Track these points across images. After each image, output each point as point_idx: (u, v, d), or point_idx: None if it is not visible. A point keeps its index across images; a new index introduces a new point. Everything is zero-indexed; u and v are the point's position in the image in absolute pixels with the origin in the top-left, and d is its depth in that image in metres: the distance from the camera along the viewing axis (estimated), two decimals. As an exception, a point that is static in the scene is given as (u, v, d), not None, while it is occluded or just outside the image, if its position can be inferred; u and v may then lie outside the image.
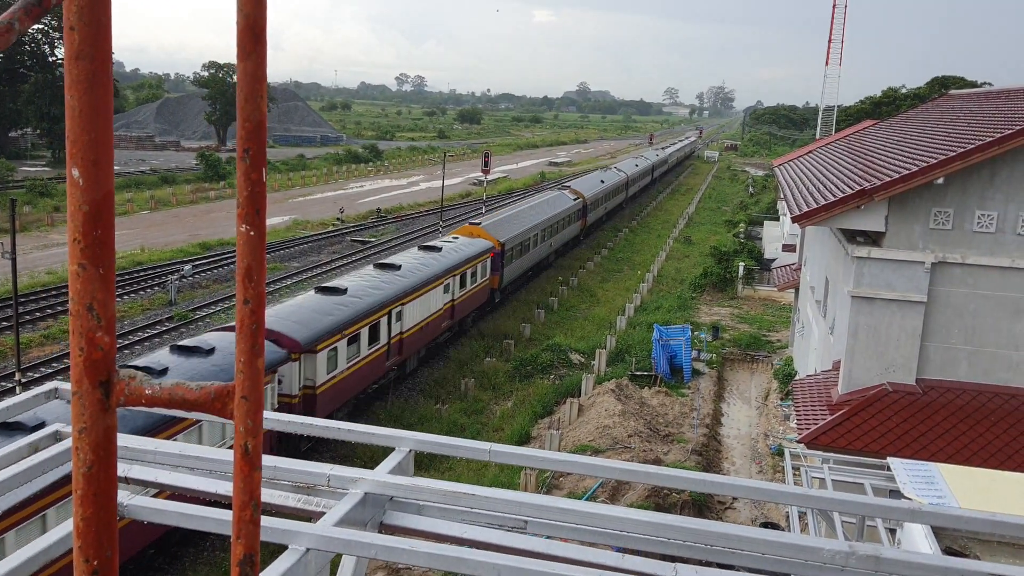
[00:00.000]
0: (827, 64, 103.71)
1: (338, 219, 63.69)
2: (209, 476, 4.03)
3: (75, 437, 1.41)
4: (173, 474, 3.95)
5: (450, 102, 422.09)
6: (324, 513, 3.87)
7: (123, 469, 3.95)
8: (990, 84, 77.37)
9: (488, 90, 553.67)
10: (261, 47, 1.30)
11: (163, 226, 58.02)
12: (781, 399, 28.97)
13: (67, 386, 4.64)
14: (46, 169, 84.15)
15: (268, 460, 3.93)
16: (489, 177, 74.20)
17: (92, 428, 1.40)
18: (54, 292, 38.43)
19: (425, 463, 22.96)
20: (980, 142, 17.30)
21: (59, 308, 36.39)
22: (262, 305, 1.37)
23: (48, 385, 4.80)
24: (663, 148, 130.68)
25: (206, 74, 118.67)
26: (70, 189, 1.35)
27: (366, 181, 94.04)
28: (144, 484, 4.03)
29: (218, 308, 38.41)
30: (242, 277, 1.37)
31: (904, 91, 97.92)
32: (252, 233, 1.35)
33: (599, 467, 4.73)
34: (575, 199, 57.53)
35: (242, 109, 1.32)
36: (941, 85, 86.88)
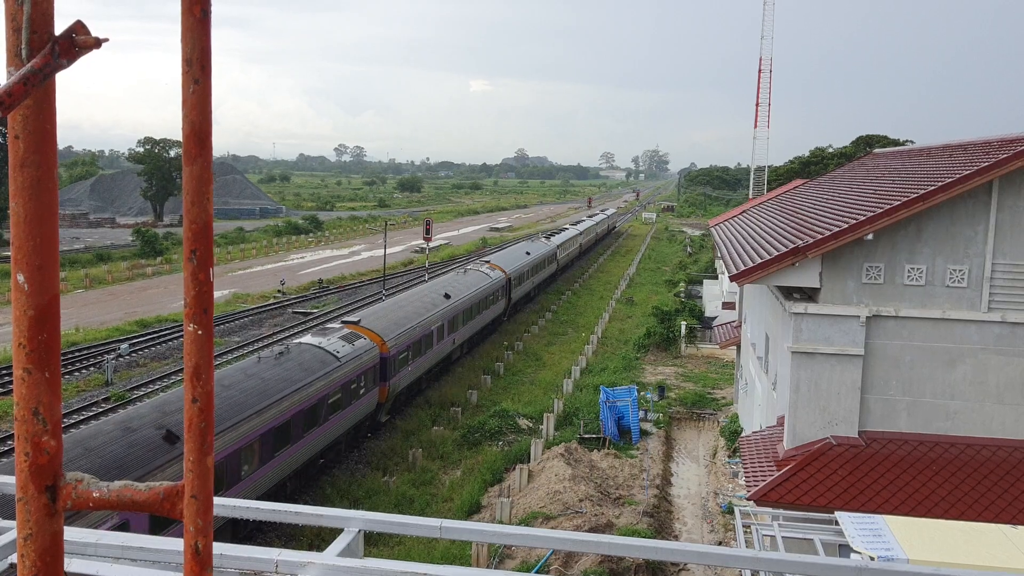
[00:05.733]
0: (756, 126, 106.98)
1: (279, 291, 63.09)
2: (153, 567, 3.92)
3: (20, 544, 1.39)
4: (116, 566, 3.84)
5: (390, 171, 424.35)
6: (273, 600, 3.79)
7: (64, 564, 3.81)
8: (912, 142, 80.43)
9: (427, 158, 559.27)
10: (206, 152, 1.33)
11: (98, 304, 56.84)
12: (729, 456, 29.14)
13: (3, 479, 4.50)
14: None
15: (214, 547, 3.84)
16: (431, 244, 74.51)
17: (38, 534, 1.38)
18: (-16, 376, 37.22)
19: (375, 537, 22.52)
20: (905, 198, 17.92)
21: (-10, 393, 35.23)
22: (211, 404, 1.37)
23: (-18, 478, 4.65)
24: (552, 233, 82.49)
25: (142, 150, 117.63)
26: (15, 294, 1.35)
27: (307, 252, 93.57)
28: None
29: (157, 387, 37.55)
30: (190, 376, 1.38)
31: (831, 150, 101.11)
32: (200, 333, 1.36)
33: (551, 539, 4.71)
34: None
35: (188, 212, 1.34)
36: (866, 144, 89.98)
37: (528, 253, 63.73)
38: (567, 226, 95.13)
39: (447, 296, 42.03)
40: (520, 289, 58.33)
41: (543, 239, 74.82)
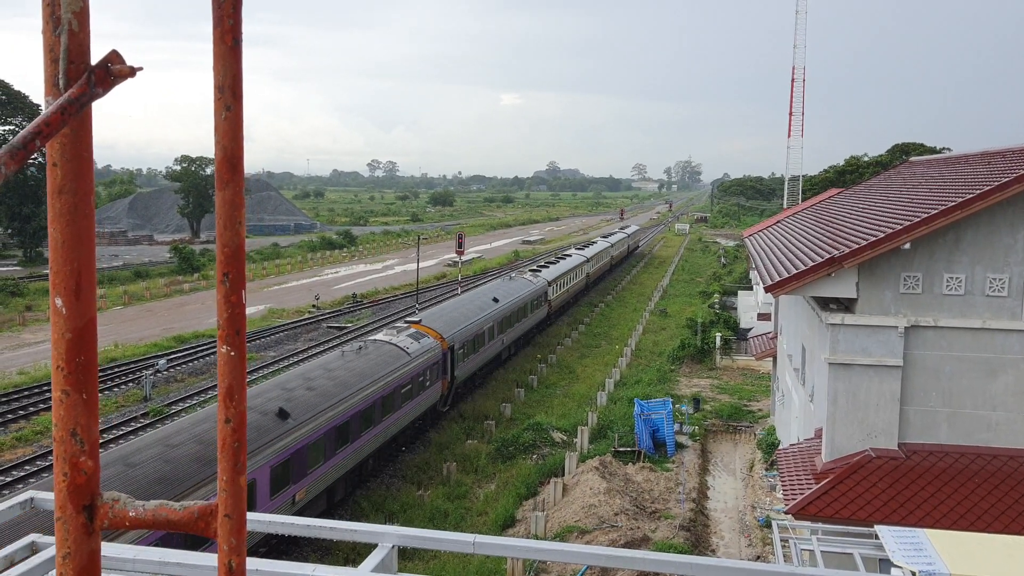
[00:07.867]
0: (789, 135, 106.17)
1: (314, 306, 63.58)
2: (190, 582, 3.96)
3: (59, 563, 1.42)
4: (153, 583, 3.88)
5: (422, 185, 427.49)
6: (308, 615, 3.81)
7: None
8: (949, 149, 79.40)
9: (459, 172, 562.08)
10: (238, 177, 1.35)
11: (137, 321, 57.61)
12: (766, 469, 28.83)
13: (44, 495, 4.57)
14: (17, 268, 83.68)
15: (250, 563, 3.87)
16: (464, 258, 74.71)
17: (76, 553, 1.40)
18: (26, 393, 37.85)
19: (408, 552, 22.54)
20: (943, 207, 17.68)
21: (31, 409, 35.80)
22: (243, 424, 1.39)
23: (24, 495, 4.73)
24: (543, 265, 63.84)
25: (178, 168, 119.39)
26: (53, 318, 1.38)
27: (341, 267, 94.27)
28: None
29: (195, 401, 37.94)
30: (224, 396, 1.40)
31: (866, 159, 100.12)
32: (233, 354, 1.38)
33: (585, 554, 4.70)
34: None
35: (220, 236, 1.36)
36: (902, 152, 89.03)
37: (496, 300, 45.23)
38: (570, 251, 76.30)
39: (283, 415, 22.72)
40: (471, 361, 38.74)
41: (529, 274, 57.01)
